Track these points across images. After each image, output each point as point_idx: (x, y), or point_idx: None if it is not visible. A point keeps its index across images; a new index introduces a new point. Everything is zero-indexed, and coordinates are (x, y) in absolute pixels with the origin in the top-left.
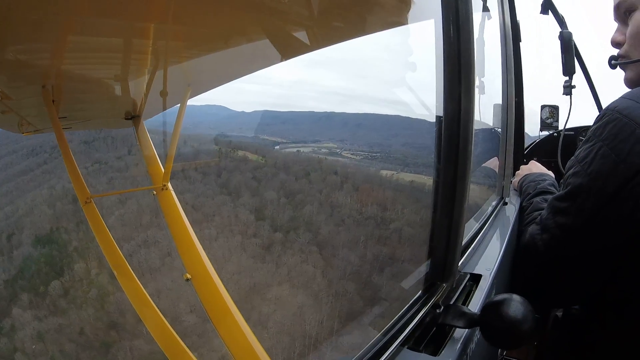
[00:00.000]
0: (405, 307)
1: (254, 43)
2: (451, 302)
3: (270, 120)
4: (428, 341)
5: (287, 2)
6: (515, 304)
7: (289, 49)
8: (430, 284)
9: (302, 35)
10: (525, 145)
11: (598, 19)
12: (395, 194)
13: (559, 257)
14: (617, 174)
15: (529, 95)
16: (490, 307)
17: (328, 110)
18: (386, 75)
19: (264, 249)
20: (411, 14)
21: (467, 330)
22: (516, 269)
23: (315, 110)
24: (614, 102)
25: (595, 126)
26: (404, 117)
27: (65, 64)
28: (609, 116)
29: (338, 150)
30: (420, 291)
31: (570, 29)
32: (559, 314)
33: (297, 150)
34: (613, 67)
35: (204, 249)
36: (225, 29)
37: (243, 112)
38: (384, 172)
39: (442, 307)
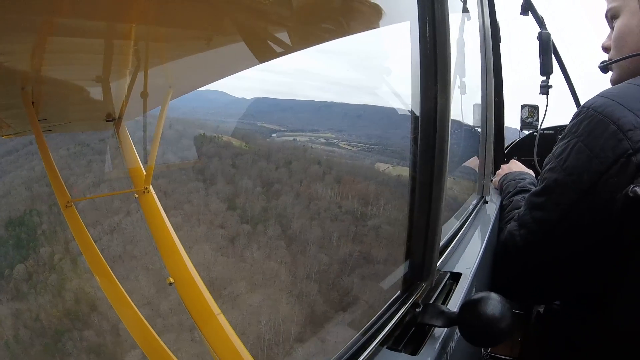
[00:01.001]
0: (385, 307)
1: (235, 44)
2: (431, 301)
3: (270, 107)
4: (407, 340)
5: (267, 2)
6: (493, 302)
7: (266, 51)
8: (409, 284)
9: (280, 37)
10: (506, 145)
11: (580, 20)
12: (383, 188)
13: (537, 252)
14: (591, 168)
15: (518, 94)
16: (468, 305)
17: (329, 100)
18: (388, 67)
19: (229, 241)
20: (388, 16)
21: (446, 329)
22: (497, 266)
23: (316, 100)
24: (589, 100)
25: (571, 123)
26: (404, 110)
27: (45, 65)
28: (584, 113)
29: (335, 141)
30: (400, 290)
31: (555, 28)
32: (541, 309)
33: (294, 139)
34: (604, 70)
35: (186, 252)
36: (206, 29)
37: (243, 98)
38: (377, 165)
39: (421, 306)
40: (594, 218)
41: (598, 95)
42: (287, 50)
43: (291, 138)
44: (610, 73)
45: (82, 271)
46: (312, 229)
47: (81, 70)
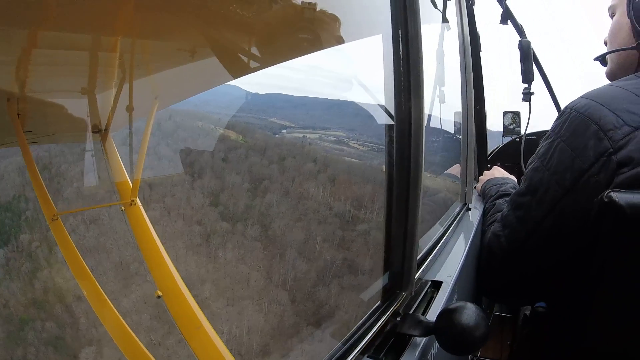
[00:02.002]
0: (366, 316)
1: (220, 56)
2: (411, 310)
3: (282, 103)
4: (388, 349)
5: (247, 17)
6: (468, 312)
7: (245, 64)
8: (389, 293)
9: (259, 50)
10: (489, 151)
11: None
12: (380, 191)
13: (522, 252)
14: (574, 167)
15: (507, 100)
16: (444, 315)
17: (341, 99)
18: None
19: (205, 239)
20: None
21: (426, 337)
22: (482, 269)
23: (329, 98)
24: (572, 101)
25: (554, 124)
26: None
27: (31, 77)
28: (567, 114)
29: (345, 140)
30: (380, 300)
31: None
32: (528, 312)
33: (303, 136)
34: (603, 63)
35: (173, 264)
36: (191, 41)
37: (257, 93)
38: (382, 167)
39: (401, 316)
40: (576, 217)
41: (581, 97)
42: (265, 64)
43: (301, 135)
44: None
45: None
46: (293, 232)
47: (67, 82)
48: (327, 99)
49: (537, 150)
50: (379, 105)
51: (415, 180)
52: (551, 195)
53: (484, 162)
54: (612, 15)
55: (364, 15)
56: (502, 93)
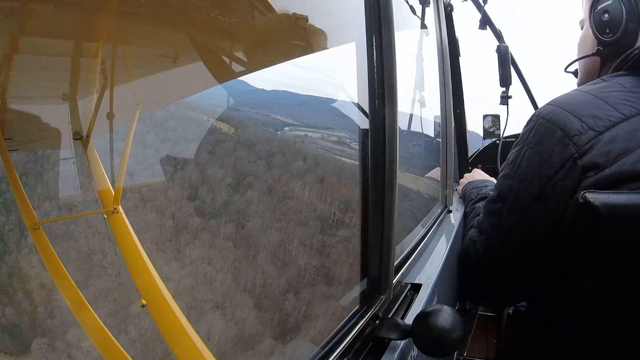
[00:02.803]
0: (344, 320)
1: (201, 62)
2: (391, 313)
3: (287, 101)
4: (367, 353)
5: (226, 25)
6: (444, 314)
7: (225, 70)
8: (368, 297)
9: (237, 58)
10: (470, 154)
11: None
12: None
13: (497, 258)
14: (541, 175)
15: (489, 104)
16: (421, 318)
17: (347, 100)
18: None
19: (177, 233)
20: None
21: (405, 340)
22: (461, 273)
23: (335, 98)
24: (539, 108)
25: (523, 131)
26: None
27: (11, 83)
28: (534, 122)
29: (347, 141)
30: (359, 304)
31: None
32: (510, 311)
33: (305, 135)
34: (574, 74)
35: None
36: (172, 48)
37: (263, 89)
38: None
39: (379, 319)
40: (546, 224)
41: (547, 104)
42: (243, 71)
43: (302, 133)
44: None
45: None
46: (269, 233)
47: (48, 88)
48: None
49: (507, 157)
50: (356, 110)
51: (390, 185)
52: (520, 203)
53: (465, 164)
54: (581, 28)
55: (339, 23)
56: (491, 96)
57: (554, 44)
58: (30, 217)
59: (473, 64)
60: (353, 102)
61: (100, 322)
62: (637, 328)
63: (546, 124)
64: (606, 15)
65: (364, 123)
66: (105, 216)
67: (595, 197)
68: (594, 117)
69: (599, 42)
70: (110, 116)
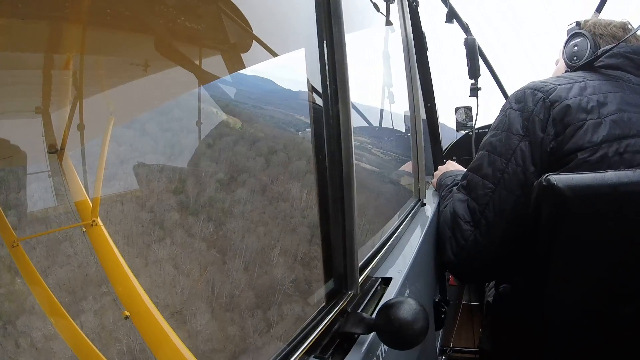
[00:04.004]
0: (311, 317)
1: (172, 69)
2: (360, 308)
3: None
4: (335, 349)
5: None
6: (405, 306)
7: (199, 76)
8: (335, 293)
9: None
10: (445, 146)
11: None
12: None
13: (482, 215)
14: (522, 119)
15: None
16: (383, 311)
17: (372, 105)
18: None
19: (154, 226)
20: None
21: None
22: (441, 246)
23: (360, 103)
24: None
25: (505, 102)
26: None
27: None
28: (512, 95)
29: (369, 147)
30: (325, 301)
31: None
32: (490, 299)
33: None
34: None
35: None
36: (142, 56)
37: (289, 89)
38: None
39: (345, 315)
40: (529, 160)
41: (529, 82)
42: (207, 79)
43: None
44: None
45: None
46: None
47: (19, 102)
48: None
49: (490, 128)
50: (310, 111)
51: (348, 180)
52: (509, 145)
53: (439, 157)
54: (556, 64)
55: (287, 22)
56: (464, 89)
57: (553, 44)
58: (8, 234)
59: (447, 58)
60: (306, 100)
61: (86, 338)
62: (609, 292)
63: (520, 90)
64: (575, 48)
65: (318, 120)
66: (84, 229)
67: (558, 179)
68: (555, 78)
69: (568, 66)
70: (81, 127)
